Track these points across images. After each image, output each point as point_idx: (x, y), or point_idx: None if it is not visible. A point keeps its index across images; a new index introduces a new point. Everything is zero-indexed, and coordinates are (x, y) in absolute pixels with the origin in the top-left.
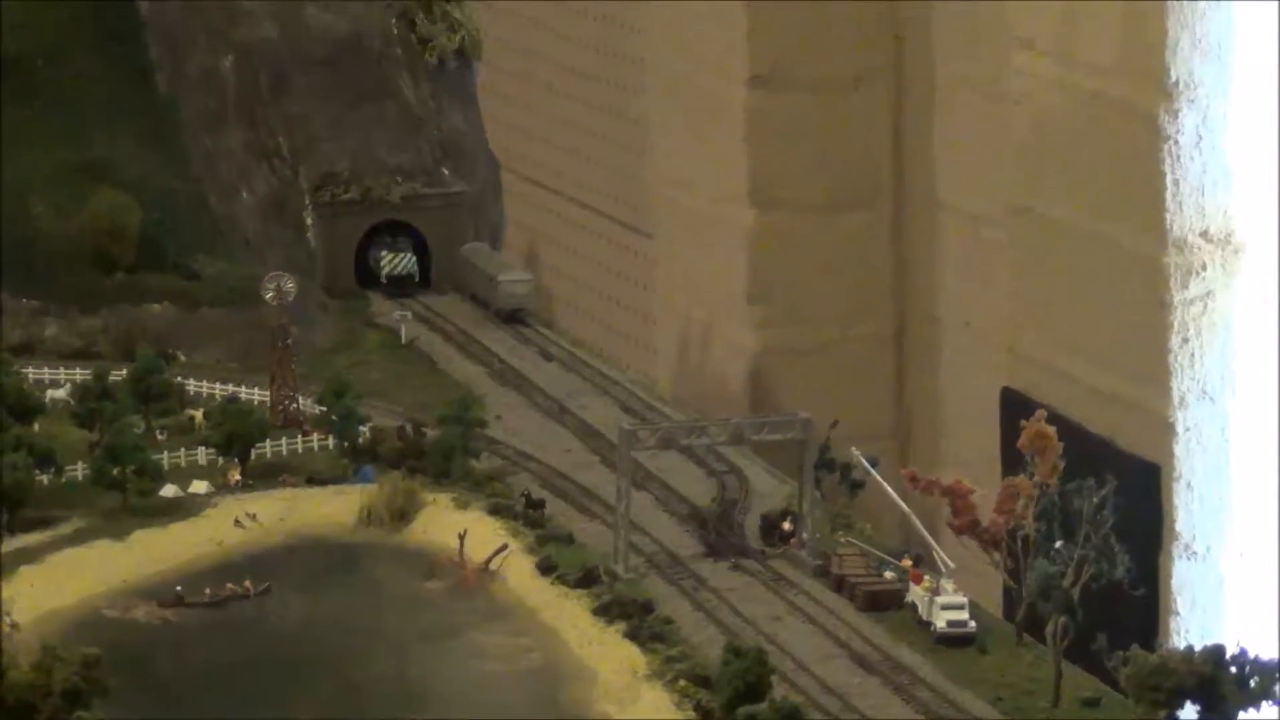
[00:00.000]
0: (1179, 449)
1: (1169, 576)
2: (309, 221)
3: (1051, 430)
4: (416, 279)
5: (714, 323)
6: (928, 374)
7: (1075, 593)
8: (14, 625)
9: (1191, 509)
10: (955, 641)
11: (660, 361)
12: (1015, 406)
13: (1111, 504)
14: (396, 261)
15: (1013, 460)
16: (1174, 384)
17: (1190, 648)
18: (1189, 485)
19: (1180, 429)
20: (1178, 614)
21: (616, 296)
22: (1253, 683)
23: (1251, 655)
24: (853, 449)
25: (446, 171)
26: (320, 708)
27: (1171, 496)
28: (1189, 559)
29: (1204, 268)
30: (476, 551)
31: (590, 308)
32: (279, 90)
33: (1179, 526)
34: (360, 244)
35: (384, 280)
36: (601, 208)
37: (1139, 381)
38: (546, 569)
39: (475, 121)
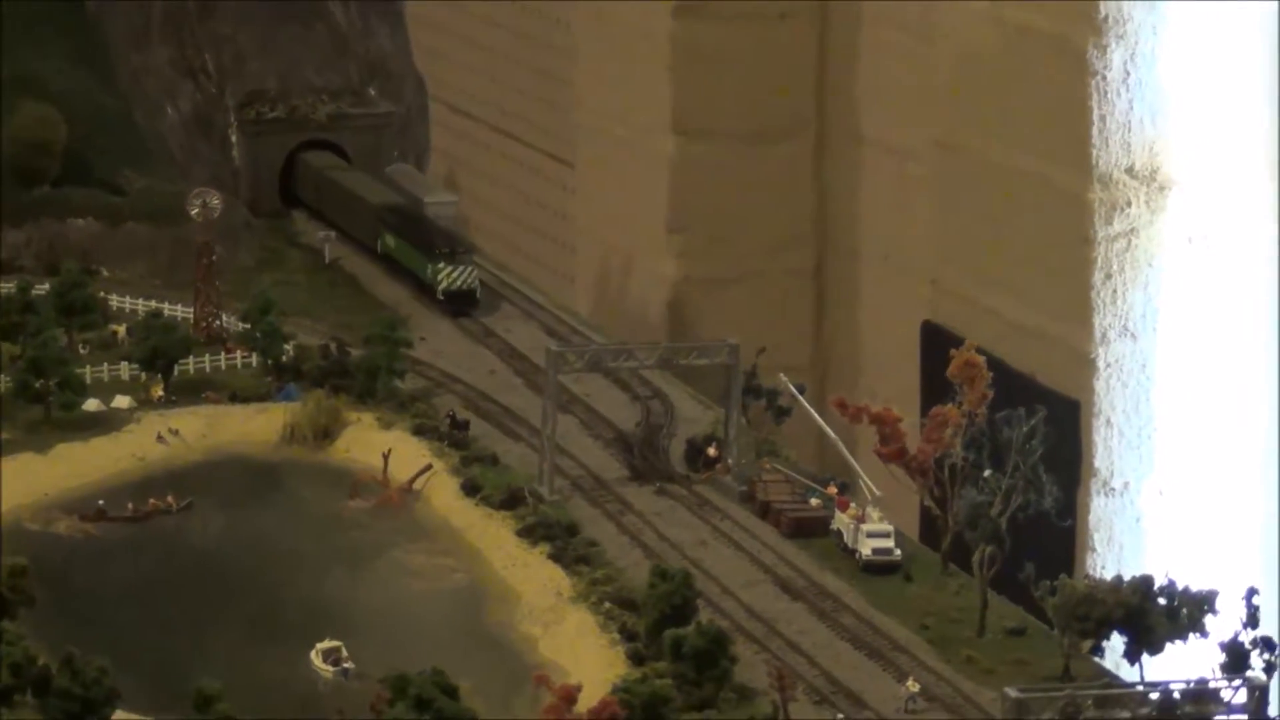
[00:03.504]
0: (1099, 385)
1: (1086, 512)
2: (234, 139)
3: (981, 359)
4: (478, 294)
5: (634, 252)
6: (848, 307)
7: (1003, 522)
8: None
9: (1110, 445)
10: (881, 569)
11: (579, 290)
12: (936, 340)
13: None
14: (456, 275)
15: (932, 394)
16: (1096, 320)
17: (1119, 578)
18: (1108, 421)
19: (1101, 365)
20: (1094, 550)
21: (537, 225)
22: (1182, 614)
23: (1180, 587)
24: (781, 375)
25: (373, 92)
26: (241, 625)
27: (1091, 433)
28: (1107, 495)
29: (1129, 204)
30: (400, 471)
31: (510, 236)
32: (206, 7)
33: (1097, 463)
34: (286, 163)
35: (440, 296)
36: (523, 136)
37: (1060, 317)
38: (471, 490)
39: (403, 43)
